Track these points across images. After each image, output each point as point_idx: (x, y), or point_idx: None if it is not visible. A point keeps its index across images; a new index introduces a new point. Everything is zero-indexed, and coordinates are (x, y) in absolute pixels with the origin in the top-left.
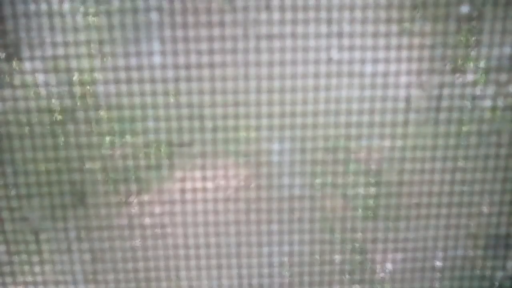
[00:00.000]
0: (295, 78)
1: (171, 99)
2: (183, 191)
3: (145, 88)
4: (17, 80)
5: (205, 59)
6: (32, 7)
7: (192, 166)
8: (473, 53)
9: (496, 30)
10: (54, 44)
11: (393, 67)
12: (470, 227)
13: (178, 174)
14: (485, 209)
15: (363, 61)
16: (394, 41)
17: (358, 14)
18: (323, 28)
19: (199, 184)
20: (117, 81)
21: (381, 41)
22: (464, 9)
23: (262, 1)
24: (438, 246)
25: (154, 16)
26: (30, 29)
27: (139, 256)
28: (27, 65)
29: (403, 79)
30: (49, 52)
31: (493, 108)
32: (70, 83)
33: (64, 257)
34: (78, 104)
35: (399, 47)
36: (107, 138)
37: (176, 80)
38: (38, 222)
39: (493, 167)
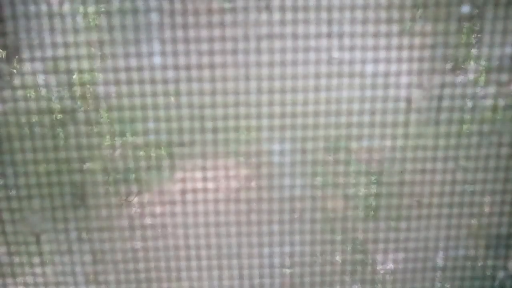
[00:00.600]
0: (295, 79)
1: (172, 100)
2: (183, 191)
3: (145, 88)
4: (17, 81)
5: (205, 59)
6: (32, 8)
7: (193, 166)
8: (474, 52)
9: (497, 29)
10: (54, 45)
11: (393, 67)
12: (471, 227)
13: (179, 174)
14: (486, 209)
15: (363, 61)
16: (394, 41)
17: (358, 14)
18: (324, 29)
19: (199, 185)
20: (117, 82)
21: (382, 41)
22: (465, 8)
23: (262, 1)
24: (440, 246)
25: (154, 16)
26: (30, 30)
27: (140, 257)
28: (27, 66)
29: (404, 79)
30: (49, 53)
31: (494, 108)
32: (70, 84)
33: (65, 258)
34: (78, 104)
35: (399, 47)
36: (108, 139)
37: (177, 80)
38: (39, 223)
39: (494, 166)
